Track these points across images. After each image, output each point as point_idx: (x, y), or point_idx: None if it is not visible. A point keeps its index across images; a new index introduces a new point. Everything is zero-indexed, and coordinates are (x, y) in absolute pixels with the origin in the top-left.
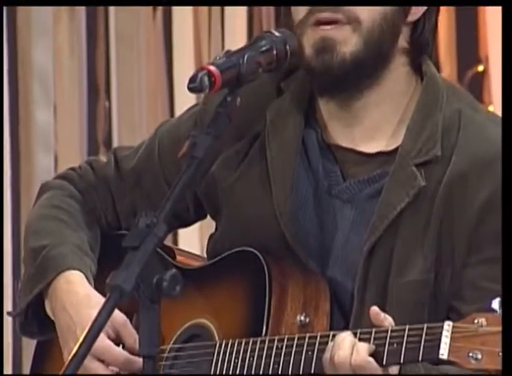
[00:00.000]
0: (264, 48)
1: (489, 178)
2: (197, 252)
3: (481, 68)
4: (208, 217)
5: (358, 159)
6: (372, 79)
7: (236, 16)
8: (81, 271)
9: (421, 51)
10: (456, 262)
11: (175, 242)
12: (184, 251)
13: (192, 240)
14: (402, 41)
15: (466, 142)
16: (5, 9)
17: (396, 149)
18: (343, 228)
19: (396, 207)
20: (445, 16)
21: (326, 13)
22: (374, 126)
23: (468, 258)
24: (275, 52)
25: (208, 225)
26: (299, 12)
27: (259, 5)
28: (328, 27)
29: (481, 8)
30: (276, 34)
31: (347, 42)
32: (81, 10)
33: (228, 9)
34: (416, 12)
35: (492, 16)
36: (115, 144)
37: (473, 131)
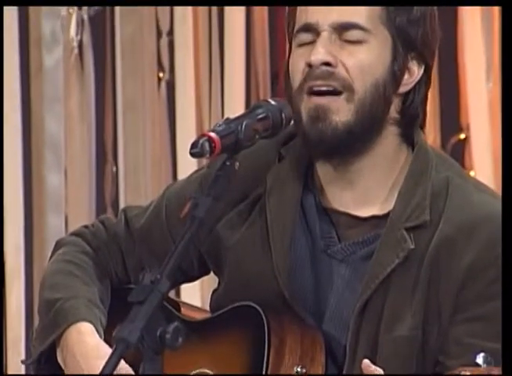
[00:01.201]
0: (260, 116)
1: (474, 243)
2: (198, 304)
3: (462, 136)
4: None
5: (352, 222)
6: (364, 146)
7: (235, 86)
8: (92, 323)
9: (411, 122)
10: (443, 320)
11: (178, 294)
12: (189, 304)
13: (194, 293)
14: (393, 112)
15: (453, 208)
16: (18, 79)
17: (388, 213)
18: (338, 286)
19: (386, 267)
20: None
21: (320, 81)
22: (367, 191)
23: (453, 317)
24: (271, 119)
25: (209, 279)
26: (296, 80)
27: (259, 5)
28: (322, 97)
29: (463, 79)
30: (272, 102)
31: (340, 112)
32: (91, 81)
33: (227, 79)
34: (407, 83)
35: (472, 87)
36: (121, 206)
37: (459, 199)
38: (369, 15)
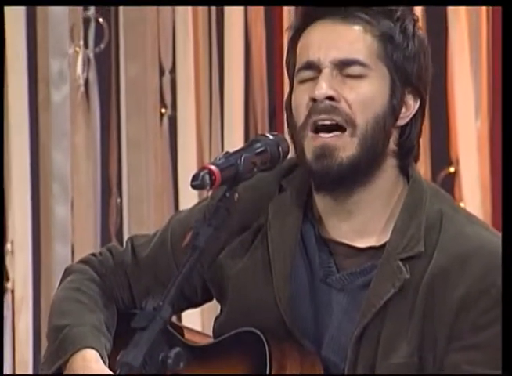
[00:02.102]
0: (259, 150)
1: (467, 273)
2: (199, 329)
3: (452, 169)
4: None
5: (350, 252)
6: (365, 178)
7: (234, 121)
8: (97, 350)
9: (408, 154)
10: (438, 347)
11: (179, 320)
12: (192, 329)
13: (195, 319)
14: (392, 144)
15: (446, 240)
16: (27, 114)
17: (384, 244)
18: (336, 314)
19: (383, 297)
20: None
21: (324, 115)
22: (365, 222)
23: (449, 345)
24: (269, 153)
25: (209, 306)
26: (300, 114)
27: (258, 5)
28: (327, 134)
29: (453, 117)
30: (270, 137)
31: (346, 148)
32: (96, 116)
33: (226, 115)
34: (404, 117)
35: (462, 124)
36: (125, 236)
37: (452, 230)
38: (367, 51)
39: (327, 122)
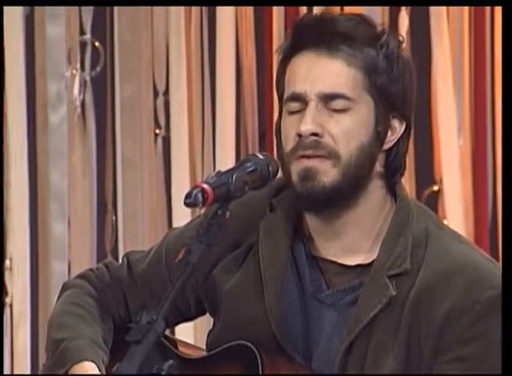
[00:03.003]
0: (250, 169)
1: (452, 290)
2: (192, 342)
3: (436, 188)
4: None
5: (339, 270)
6: (350, 201)
7: (225, 141)
8: (94, 362)
9: (395, 174)
10: (424, 361)
11: (172, 334)
12: (186, 342)
13: (188, 332)
14: (378, 167)
15: (432, 257)
16: (25, 135)
17: (372, 262)
18: (326, 328)
19: (370, 312)
20: None
21: (309, 151)
22: (353, 241)
23: (436, 358)
24: (259, 172)
25: (202, 320)
26: (288, 145)
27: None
28: (311, 161)
29: (436, 137)
30: (260, 157)
31: (327, 174)
32: (93, 137)
33: (218, 135)
34: (390, 140)
35: (445, 144)
36: (121, 252)
37: (438, 248)
38: (352, 84)
39: (311, 155)
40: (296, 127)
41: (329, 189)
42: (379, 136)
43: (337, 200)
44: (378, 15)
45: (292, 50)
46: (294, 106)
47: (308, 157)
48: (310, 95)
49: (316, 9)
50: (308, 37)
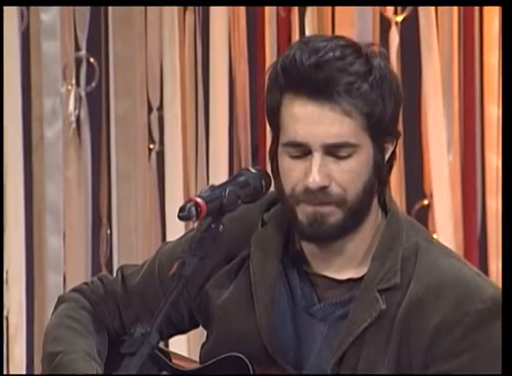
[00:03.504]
0: (243, 183)
1: (441, 304)
2: (185, 355)
3: (426, 202)
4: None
5: (330, 284)
6: (353, 231)
7: (219, 156)
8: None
9: (384, 188)
10: (414, 373)
11: (166, 346)
12: (179, 354)
13: (181, 345)
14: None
15: (421, 271)
16: (21, 150)
17: (363, 276)
18: (317, 342)
19: (360, 326)
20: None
21: (317, 201)
22: (346, 257)
23: (424, 370)
24: (252, 186)
25: (195, 333)
26: (289, 188)
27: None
28: (318, 205)
29: (426, 152)
30: (253, 171)
31: (335, 216)
32: (88, 152)
33: (212, 150)
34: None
35: (435, 159)
36: (115, 265)
37: (427, 262)
38: (354, 130)
39: (320, 202)
40: (301, 176)
41: (336, 229)
42: (378, 166)
43: (342, 234)
44: (369, 32)
45: (287, 90)
46: (295, 151)
47: (316, 204)
48: (314, 146)
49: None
50: (307, 87)
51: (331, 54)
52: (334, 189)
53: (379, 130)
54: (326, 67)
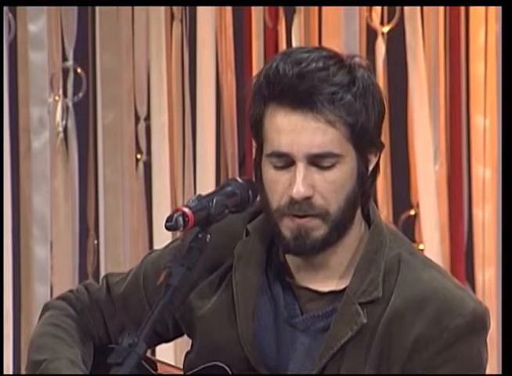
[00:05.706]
0: (230, 193)
1: (422, 317)
2: (172, 363)
3: (412, 212)
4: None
5: (312, 296)
6: (336, 242)
7: (206, 165)
8: None
9: (368, 199)
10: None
11: (153, 354)
12: (165, 362)
13: (168, 353)
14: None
15: (403, 284)
16: (9, 160)
17: (345, 288)
18: (298, 353)
19: (340, 339)
20: (382, 169)
21: (301, 212)
22: (328, 269)
23: None
24: (239, 196)
25: (182, 341)
26: (275, 200)
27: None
28: (302, 219)
29: (413, 162)
30: (240, 181)
31: (319, 229)
32: (75, 162)
33: (199, 160)
34: (368, 172)
35: (421, 169)
36: (102, 275)
37: (409, 275)
38: (338, 139)
39: (303, 215)
40: (285, 187)
41: (321, 242)
42: (362, 178)
43: (325, 247)
44: (355, 43)
45: (271, 101)
46: (279, 161)
47: (300, 216)
48: (298, 156)
49: (296, 21)
50: (290, 97)
51: (314, 64)
52: (318, 201)
53: (362, 140)
54: (309, 77)
